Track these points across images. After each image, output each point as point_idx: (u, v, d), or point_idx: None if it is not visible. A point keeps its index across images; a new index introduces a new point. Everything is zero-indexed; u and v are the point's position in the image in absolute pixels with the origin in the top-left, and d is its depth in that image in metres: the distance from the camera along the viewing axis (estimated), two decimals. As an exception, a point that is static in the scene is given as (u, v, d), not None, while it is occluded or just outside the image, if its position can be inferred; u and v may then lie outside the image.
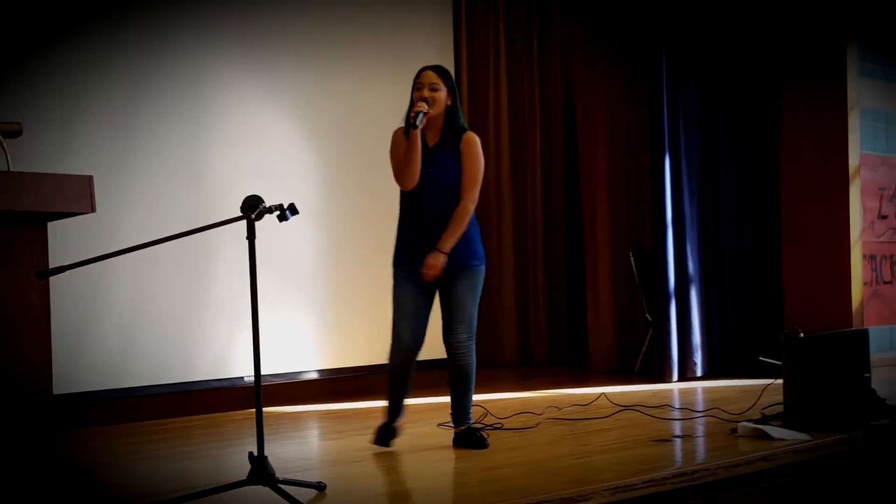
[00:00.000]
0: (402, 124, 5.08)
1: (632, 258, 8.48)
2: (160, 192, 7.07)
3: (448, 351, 5.12)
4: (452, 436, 5.23)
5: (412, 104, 4.99)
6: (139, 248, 3.97)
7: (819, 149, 8.43)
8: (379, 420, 5.25)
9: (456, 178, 5.04)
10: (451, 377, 5.17)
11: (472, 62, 9.29)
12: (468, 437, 5.13)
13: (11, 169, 4.20)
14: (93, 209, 4.23)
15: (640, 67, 8.32)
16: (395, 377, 5.15)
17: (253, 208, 3.96)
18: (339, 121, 7.97)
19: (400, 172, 4.97)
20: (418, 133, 4.89)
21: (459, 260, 5.03)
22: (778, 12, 8.58)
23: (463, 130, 5.10)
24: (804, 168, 8.49)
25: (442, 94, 5.00)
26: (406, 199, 5.09)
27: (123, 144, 6.94)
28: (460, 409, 5.19)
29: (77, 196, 4.19)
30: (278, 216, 4.06)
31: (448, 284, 5.06)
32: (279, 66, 7.72)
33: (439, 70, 5.06)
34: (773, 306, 8.64)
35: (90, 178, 4.24)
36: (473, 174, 5.06)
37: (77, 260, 3.86)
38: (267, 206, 4.01)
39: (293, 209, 4.08)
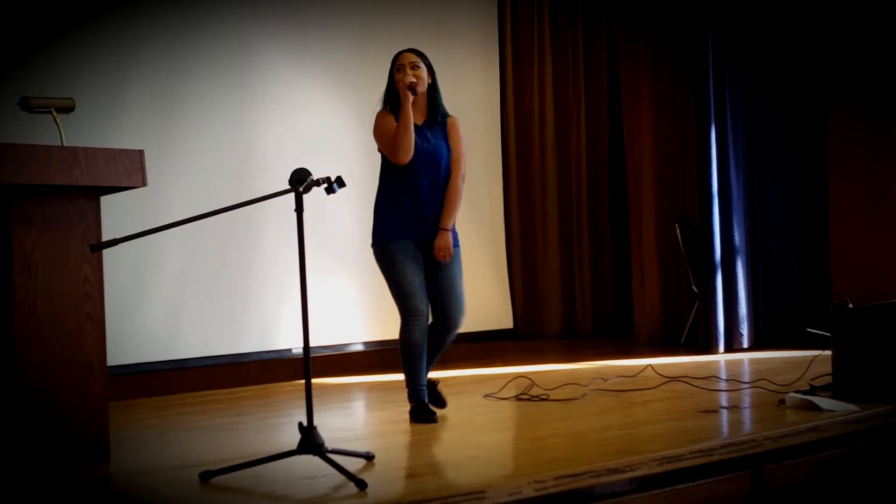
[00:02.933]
0: (381, 107, 5.22)
1: (677, 229, 8.45)
2: (209, 166, 7.14)
3: (442, 328, 5.21)
4: (511, 406, 5.24)
5: (392, 83, 5.16)
6: (189, 221, 4.01)
7: (869, 118, 8.33)
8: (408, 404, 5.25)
9: (445, 156, 5.19)
10: (432, 352, 5.26)
11: (516, 34, 9.30)
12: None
13: (65, 144, 4.27)
14: (144, 183, 4.29)
15: (687, 44, 8.26)
16: (418, 351, 5.14)
17: (301, 181, 3.98)
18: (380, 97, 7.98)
19: (398, 146, 5.02)
20: (410, 106, 5.01)
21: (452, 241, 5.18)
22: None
23: (446, 114, 5.27)
24: (853, 137, 8.40)
25: (423, 73, 5.15)
26: (397, 175, 5.13)
27: (172, 118, 7.01)
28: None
29: (129, 170, 4.26)
30: (326, 189, 4.08)
31: (438, 264, 5.16)
32: (325, 42, 7.78)
33: (416, 51, 5.21)
34: (821, 277, 8.58)
35: (141, 152, 4.31)
36: (462, 153, 5.25)
37: (128, 233, 3.90)
38: (315, 178, 4.03)
39: (340, 182, 4.10)
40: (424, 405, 5.15)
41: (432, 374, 5.35)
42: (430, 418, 5.11)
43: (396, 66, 5.15)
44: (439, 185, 5.16)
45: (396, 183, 5.14)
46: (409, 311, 5.10)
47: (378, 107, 5.24)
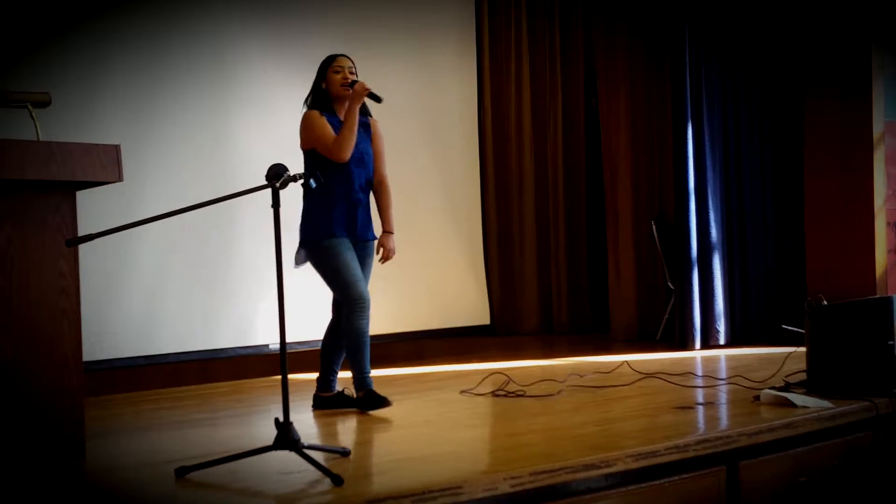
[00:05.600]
0: (305, 108, 5.40)
1: (654, 226, 8.48)
2: (185, 161, 7.13)
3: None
4: (487, 402, 5.26)
5: (322, 83, 5.39)
6: (165, 217, 3.99)
7: (843, 115, 8.36)
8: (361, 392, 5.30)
9: (370, 155, 5.43)
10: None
11: (493, 27, 9.34)
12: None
13: (41, 138, 4.25)
14: (120, 178, 4.27)
15: (664, 38, 8.28)
16: (366, 339, 5.27)
17: (278, 176, 3.98)
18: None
19: (345, 146, 5.20)
20: (358, 107, 5.24)
21: (370, 235, 5.45)
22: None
23: (368, 115, 5.49)
24: (827, 135, 8.43)
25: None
26: (334, 173, 5.23)
27: (149, 113, 6.99)
28: (333, 373, 5.48)
29: (105, 165, 4.24)
30: (302, 184, 4.08)
31: (365, 259, 5.40)
32: (299, 37, 7.77)
33: (349, 57, 5.46)
34: (796, 274, 8.61)
35: (118, 147, 4.29)
36: (384, 154, 5.52)
37: (104, 228, 3.89)
38: (291, 174, 4.03)
39: (317, 177, 4.12)
40: (375, 392, 5.25)
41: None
42: (386, 402, 5.22)
43: (335, 68, 5.38)
44: (367, 182, 5.40)
45: (334, 181, 5.24)
46: (357, 298, 5.20)
47: (304, 107, 5.41)
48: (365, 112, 5.44)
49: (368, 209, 5.42)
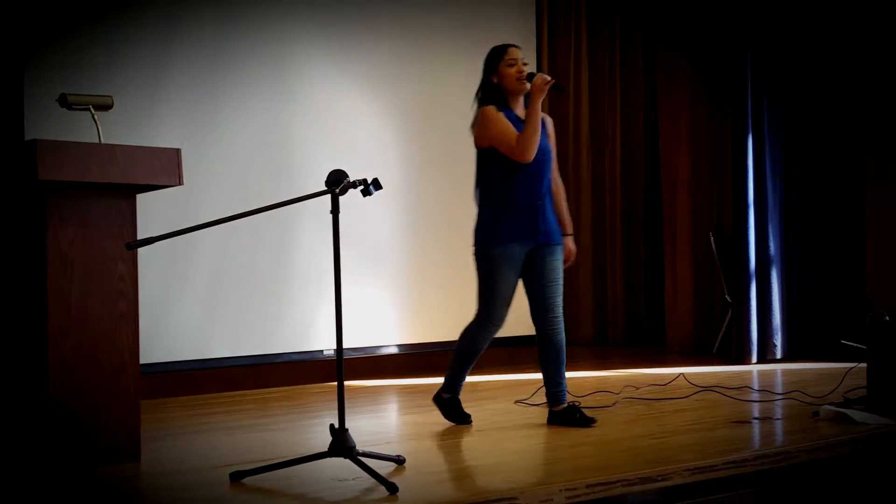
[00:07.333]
0: (476, 104, 5.10)
1: (712, 238, 8.41)
2: (245, 166, 7.16)
3: (546, 326, 5.10)
4: (542, 413, 5.26)
5: (493, 76, 5.05)
6: (225, 221, 4.01)
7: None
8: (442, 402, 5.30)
9: (550, 153, 5.12)
10: (549, 354, 5.13)
11: (553, 43, 9.35)
12: (572, 414, 5.09)
13: (103, 141, 4.28)
14: (180, 182, 4.30)
15: (725, 53, 8.22)
16: (475, 354, 5.18)
17: (337, 182, 3.98)
18: (420, 99, 8.03)
19: (530, 145, 4.89)
20: (540, 103, 4.91)
21: (557, 239, 5.10)
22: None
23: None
24: (892, 142, 8.30)
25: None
26: (515, 174, 4.99)
27: (209, 118, 7.03)
28: (558, 385, 5.15)
29: (166, 169, 4.27)
30: (362, 191, 4.07)
31: (543, 262, 5.05)
32: (361, 43, 7.78)
33: (518, 47, 5.13)
34: (857, 288, 8.50)
35: (178, 150, 4.32)
36: (554, 153, 5.19)
37: (162, 232, 3.90)
38: (351, 180, 4.02)
39: (377, 184, 4.09)
40: (456, 402, 5.23)
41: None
42: (463, 418, 5.19)
43: (508, 61, 5.03)
44: (548, 183, 5.10)
45: (517, 181, 5.00)
46: (492, 318, 5.04)
47: (475, 103, 5.12)
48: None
49: (552, 211, 5.11)
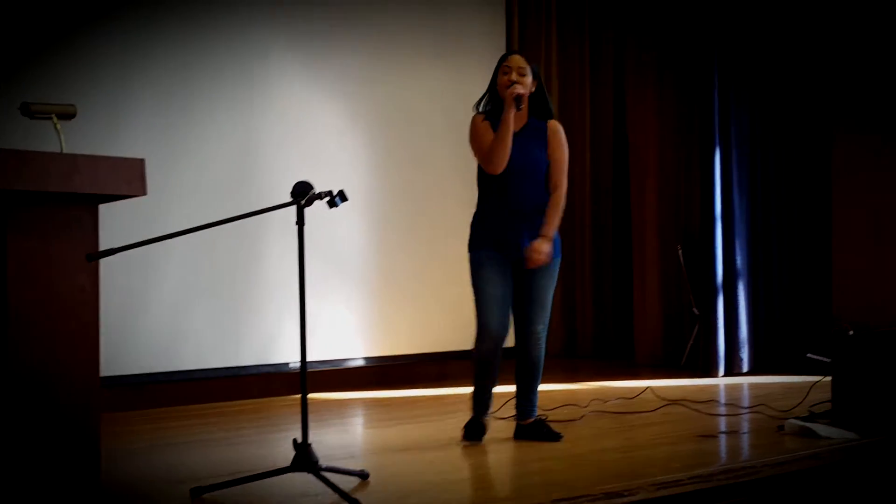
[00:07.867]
0: (475, 111, 5.08)
1: (680, 251, 8.42)
2: (210, 176, 7.11)
3: (524, 341, 5.07)
4: (510, 426, 5.24)
5: (493, 86, 5.02)
6: (189, 232, 3.98)
7: (872, 140, 8.27)
8: (464, 414, 5.26)
9: (540, 164, 5.01)
10: (523, 368, 5.12)
11: (523, 48, 9.26)
12: (539, 429, 5.09)
13: (65, 150, 4.23)
14: (144, 192, 4.25)
15: (692, 63, 8.24)
16: (482, 366, 5.07)
17: (303, 194, 3.96)
18: (387, 111, 7.99)
19: (493, 155, 4.86)
20: (512, 116, 4.84)
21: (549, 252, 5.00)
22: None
23: (549, 116, 5.11)
24: (858, 159, 8.34)
25: (529, 80, 4.98)
26: (490, 184, 4.99)
27: (174, 128, 6.98)
28: (528, 401, 5.15)
29: (129, 178, 4.22)
30: (328, 202, 4.05)
31: (531, 275, 4.99)
32: (328, 53, 7.74)
33: (524, 55, 5.04)
34: (821, 303, 8.54)
35: (142, 161, 4.26)
36: (565, 161, 5.08)
37: (127, 243, 3.87)
38: (317, 192, 4.01)
39: (343, 196, 4.07)
40: (477, 423, 5.16)
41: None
42: (475, 437, 5.12)
43: (503, 69, 4.97)
44: (530, 195, 4.99)
45: (489, 192, 5.01)
46: (480, 323, 4.97)
47: (473, 110, 5.10)
48: (545, 115, 5.09)
49: (535, 223, 4.97)
